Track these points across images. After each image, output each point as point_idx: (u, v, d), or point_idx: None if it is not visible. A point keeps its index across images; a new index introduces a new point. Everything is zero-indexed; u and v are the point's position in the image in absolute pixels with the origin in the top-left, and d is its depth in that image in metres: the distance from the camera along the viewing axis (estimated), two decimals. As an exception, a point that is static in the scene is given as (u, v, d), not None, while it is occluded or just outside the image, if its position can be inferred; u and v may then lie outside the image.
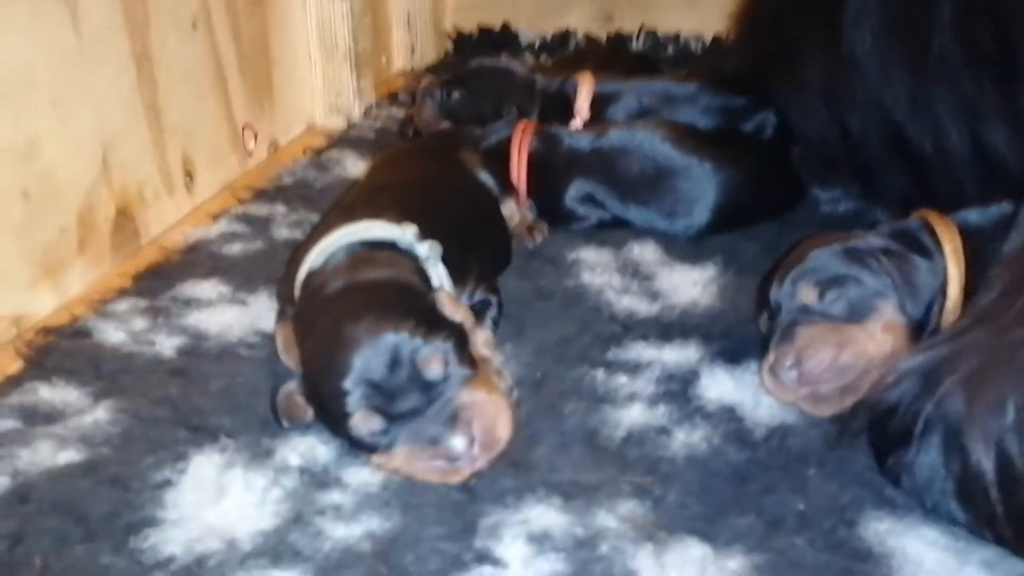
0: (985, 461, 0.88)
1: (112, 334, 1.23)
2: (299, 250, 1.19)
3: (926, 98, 1.34)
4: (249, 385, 1.14)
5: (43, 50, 1.28)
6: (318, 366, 1.00)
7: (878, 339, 1.08)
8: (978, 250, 1.10)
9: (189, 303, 1.31)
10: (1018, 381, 0.89)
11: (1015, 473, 0.87)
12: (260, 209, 1.58)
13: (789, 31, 1.53)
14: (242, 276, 1.37)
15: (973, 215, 1.17)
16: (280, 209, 1.58)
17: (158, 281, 1.36)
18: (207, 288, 1.34)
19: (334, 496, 0.96)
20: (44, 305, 1.31)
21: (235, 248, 1.46)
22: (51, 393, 1.11)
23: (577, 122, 1.60)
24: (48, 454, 1.01)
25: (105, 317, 1.27)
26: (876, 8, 1.37)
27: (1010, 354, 0.91)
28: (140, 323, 1.26)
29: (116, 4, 1.40)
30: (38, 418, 1.07)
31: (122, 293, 1.33)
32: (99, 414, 1.07)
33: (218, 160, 1.67)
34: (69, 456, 1.01)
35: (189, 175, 1.60)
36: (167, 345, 1.21)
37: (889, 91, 1.39)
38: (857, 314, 1.09)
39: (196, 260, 1.43)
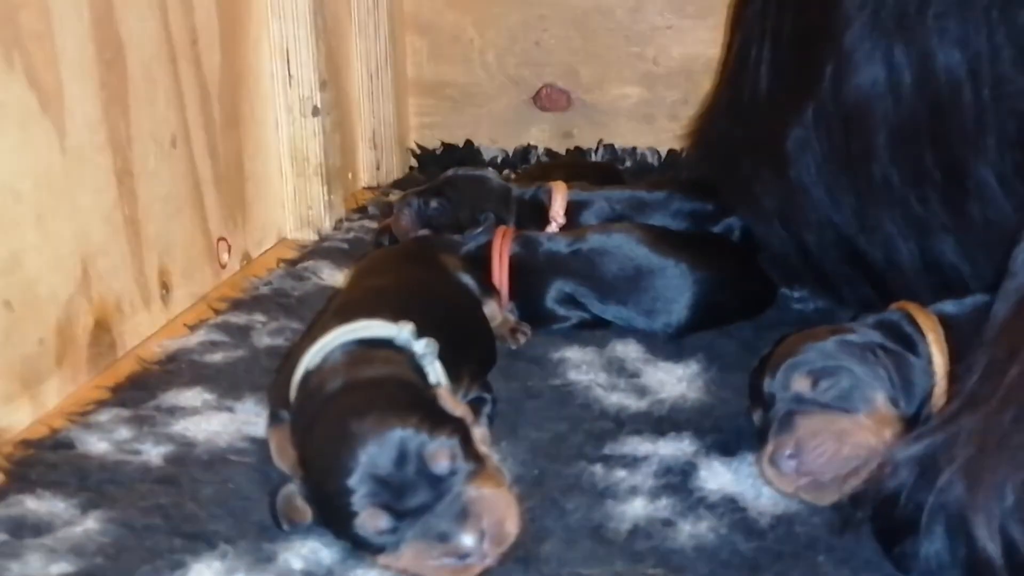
0: (991, 547, 0.89)
1: (95, 444, 1.20)
2: (293, 352, 1.18)
3: (874, 218, 1.40)
4: (242, 491, 1.11)
5: (29, 166, 1.28)
6: (321, 465, 0.99)
7: (874, 428, 1.09)
8: (959, 339, 1.14)
9: (173, 411, 1.28)
10: (1014, 465, 0.91)
11: (1021, 558, 0.88)
12: (239, 318, 1.57)
13: (740, 160, 1.61)
14: (226, 383, 1.35)
15: (949, 306, 1.21)
16: (259, 318, 1.57)
17: (139, 391, 1.34)
18: (191, 396, 1.32)
19: (343, 598, 0.94)
20: (22, 419, 1.27)
21: (216, 356, 1.44)
22: (37, 505, 1.07)
23: (553, 227, 1.63)
24: (39, 566, 0.97)
25: (87, 428, 1.23)
26: (816, 139, 1.44)
27: (1003, 438, 0.92)
28: (124, 432, 1.23)
29: (100, 123, 1.41)
30: (26, 530, 1.03)
31: (102, 404, 1.30)
32: (89, 524, 1.03)
33: (193, 273, 1.67)
34: (61, 568, 0.97)
35: (165, 287, 1.59)
36: (154, 454, 1.18)
37: (838, 214, 1.45)
38: (851, 403, 1.10)
39: (177, 370, 1.40)
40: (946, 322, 1.17)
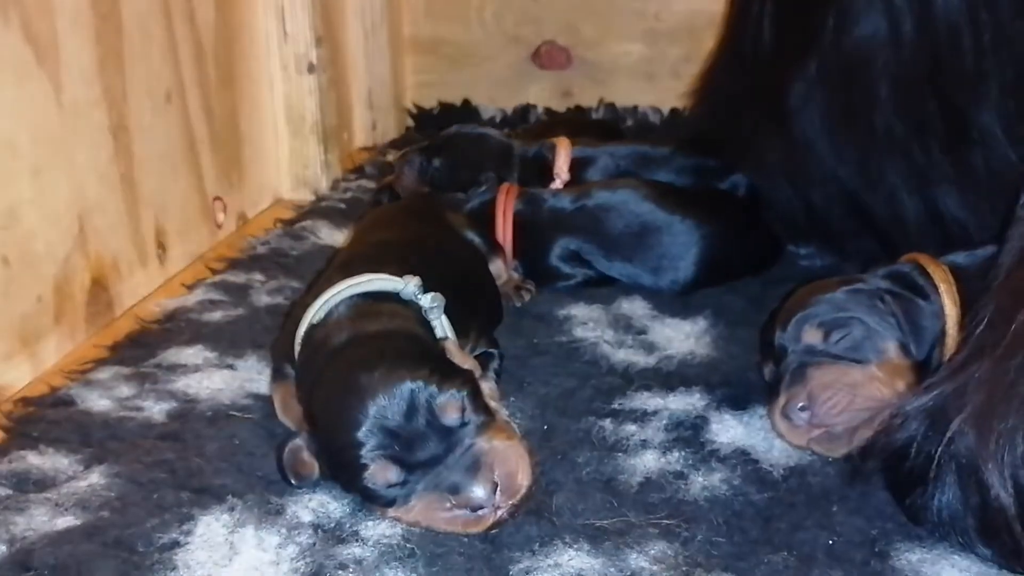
0: (1004, 496, 0.89)
1: (97, 402, 1.18)
2: (297, 307, 1.17)
3: (878, 171, 1.39)
4: (248, 446, 1.10)
5: (26, 121, 1.26)
6: (329, 418, 0.97)
7: (886, 379, 1.08)
8: (970, 289, 1.12)
9: (174, 369, 1.27)
10: (1023, 412, 0.90)
11: (1033, 505, 0.88)
12: (237, 277, 1.55)
13: (744, 116, 1.59)
14: (227, 341, 1.34)
15: (961, 257, 1.20)
16: (258, 277, 1.55)
17: (139, 350, 1.32)
18: (191, 354, 1.30)
19: (354, 550, 0.93)
20: (21, 376, 1.26)
21: (216, 315, 1.42)
22: (40, 460, 1.05)
23: (557, 184, 1.61)
24: (45, 519, 0.95)
25: (88, 385, 1.22)
26: (819, 93, 1.43)
27: (1012, 386, 0.92)
28: (125, 390, 1.21)
29: (96, 77, 1.39)
30: (30, 485, 1.02)
31: (101, 362, 1.29)
32: (93, 479, 1.02)
33: (189, 232, 1.65)
34: (67, 521, 0.95)
35: (162, 247, 1.57)
36: (156, 410, 1.17)
37: (843, 168, 1.44)
38: (863, 354, 1.09)
39: (176, 328, 1.38)
40: (957, 273, 1.16)
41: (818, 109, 1.44)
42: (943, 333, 1.12)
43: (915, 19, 1.28)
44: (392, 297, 1.11)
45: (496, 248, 1.45)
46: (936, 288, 1.14)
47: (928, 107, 1.31)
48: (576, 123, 2.07)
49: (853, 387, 1.07)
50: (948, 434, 0.93)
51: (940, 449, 0.94)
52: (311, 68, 1.90)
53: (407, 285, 1.11)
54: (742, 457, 1.07)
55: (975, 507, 0.92)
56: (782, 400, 1.08)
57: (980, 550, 0.92)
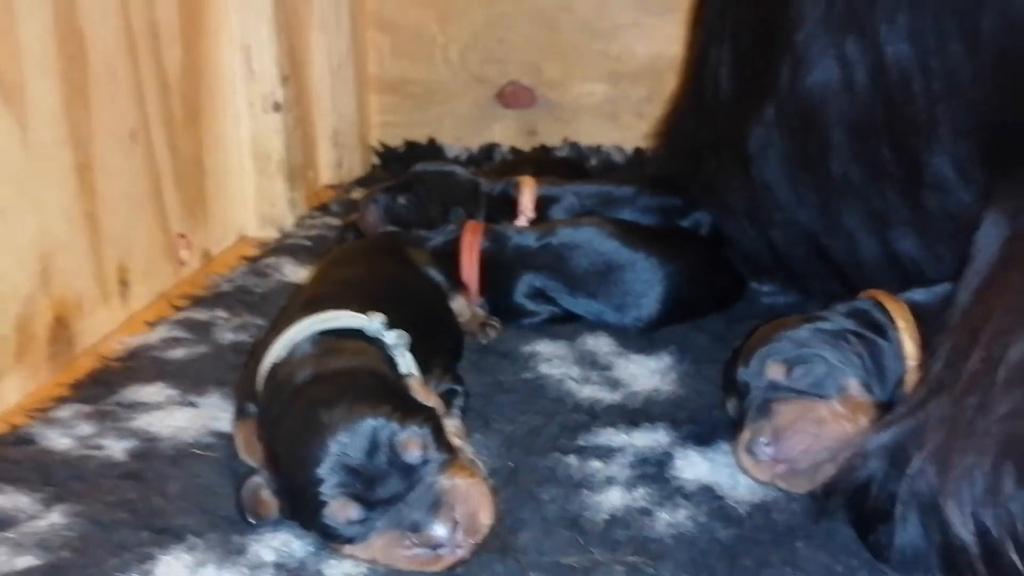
0: (966, 534, 0.89)
1: (58, 440, 1.17)
2: (259, 345, 1.16)
3: (836, 214, 1.41)
4: (210, 485, 1.09)
5: (-9, 161, 1.26)
6: (290, 455, 0.97)
7: (848, 414, 1.09)
8: (929, 326, 1.14)
9: (135, 407, 1.25)
10: (981, 450, 0.91)
11: (994, 543, 0.88)
12: (200, 315, 1.54)
13: (706, 159, 1.61)
14: (190, 379, 1.33)
15: (919, 294, 1.21)
16: (222, 314, 1.54)
17: (100, 388, 1.31)
18: (153, 392, 1.29)
19: (318, 590, 0.92)
20: (-20, 416, 1.24)
21: (178, 353, 1.41)
22: (1, 499, 1.04)
23: (522, 221, 1.62)
24: (4, 559, 0.94)
25: (48, 424, 1.20)
26: (777, 139, 1.45)
27: (970, 424, 0.93)
28: (86, 428, 1.20)
29: (62, 117, 1.38)
30: (-11, 525, 1.00)
31: (62, 401, 1.27)
32: (54, 519, 1.01)
33: (152, 270, 1.64)
34: (27, 561, 0.94)
35: (124, 284, 1.55)
36: (117, 449, 1.16)
37: (802, 211, 1.46)
38: (825, 390, 1.10)
39: (138, 366, 1.37)
40: (916, 310, 1.18)
41: (777, 154, 1.46)
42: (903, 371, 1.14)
43: (867, 67, 1.31)
44: (356, 334, 1.11)
45: (460, 285, 1.46)
46: (894, 324, 1.16)
47: (882, 152, 1.33)
48: (541, 162, 2.08)
49: (817, 423, 1.07)
50: (909, 472, 0.94)
51: (901, 487, 0.94)
52: (277, 107, 1.90)
53: (372, 322, 1.11)
54: (707, 494, 1.08)
55: (938, 545, 0.93)
56: (746, 435, 1.09)
57: (946, 588, 0.93)
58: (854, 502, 1.01)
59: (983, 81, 1.18)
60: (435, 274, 1.43)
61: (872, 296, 1.21)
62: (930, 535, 0.93)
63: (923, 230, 1.33)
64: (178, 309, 1.57)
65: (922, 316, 1.17)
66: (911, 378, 1.12)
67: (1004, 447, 0.88)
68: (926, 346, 1.11)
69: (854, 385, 1.12)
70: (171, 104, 1.68)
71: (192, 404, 1.27)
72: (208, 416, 1.24)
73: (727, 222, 1.60)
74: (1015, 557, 0.86)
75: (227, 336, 1.47)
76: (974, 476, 0.90)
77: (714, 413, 1.23)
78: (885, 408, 1.10)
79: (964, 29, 1.19)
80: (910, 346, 1.14)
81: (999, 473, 0.88)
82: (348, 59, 2.24)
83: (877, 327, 1.16)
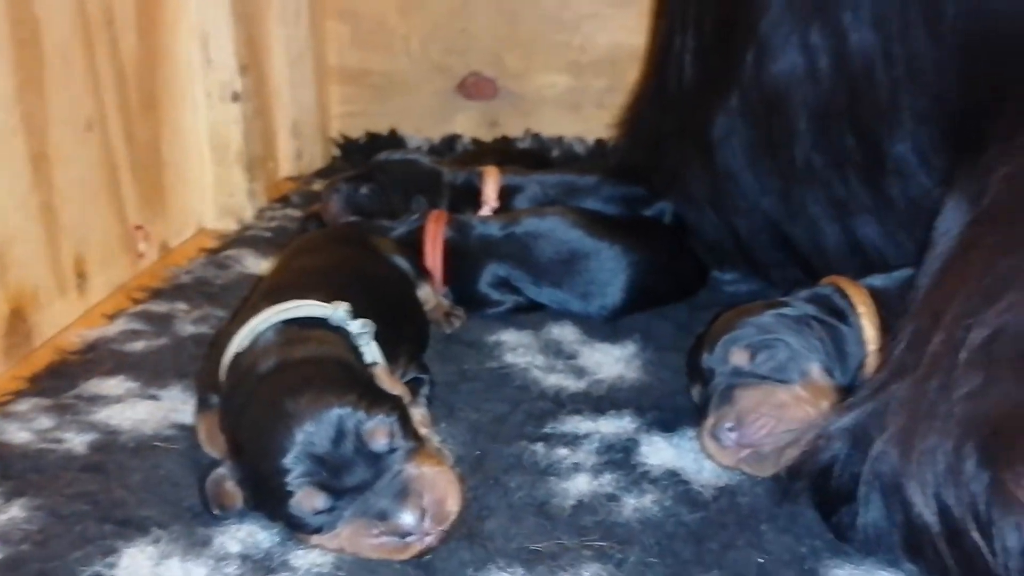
0: (928, 514, 0.90)
1: (16, 434, 1.15)
2: (222, 335, 1.15)
3: (799, 201, 1.42)
4: (173, 477, 1.07)
5: (-56, 148, 1.23)
6: (255, 445, 0.95)
7: (810, 398, 1.10)
8: (889, 311, 1.16)
9: (95, 400, 1.23)
10: (943, 431, 0.92)
11: (955, 523, 0.89)
12: (160, 307, 1.52)
13: (669, 148, 1.62)
14: (150, 372, 1.31)
15: (879, 280, 1.23)
16: (181, 306, 1.52)
17: (58, 381, 1.28)
18: (113, 385, 1.27)
19: (284, 580, 0.91)
20: (-66, 409, 1.22)
21: (138, 345, 1.39)
22: (-42, 494, 1.02)
23: (486, 211, 1.61)
24: (-39, 554, 0.92)
25: (6, 418, 1.18)
26: (741, 126, 1.46)
27: (931, 406, 0.94)
28: (45, 422, 1.18)
29: (15, 105, 1.35)
30: (-52, 519, 0.98)
31: (20, 394, 1.25)
32: (14, 512, 0.99)
33: (110, 262, 1.61)
34: (-14, 556, 0.92)
35: (82, 276, 1.53)
36: (77, 442, 1.14)
37: (765, 198, 1.47)
38: (787, 374, 1.11)
39: (97, 359, 1.35)
40: (876, 295, 1.19)
41: (740, 142, 1.47)
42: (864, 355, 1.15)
43: (831, 54, 1.32)
44: (321, 323, 1.09)
45: (425, 274, 1.45)
46: (855, 309, 1.17)
47: (845, 139, 1.34)
48: (504, 152, 2.08)
49: (779, 407, 1.08)
50: (871, 454, 0.95)
51: (864, 469, 0.95)
52: (235, 97, 1.88)
53: (336, 311, 1.10)
54: (673, 479, 1.08)
55: (900, 524, 0.94)
56: (711, 421, 1.10)
57: (907, 566, 0.94)
58: (817, 484, 1.02)
59: (946, 67, 1.20)
60: (401, 262, 1.42)
61: (833, 282, 1.23)
62: (892, 515, 0.94)
63: (885, 217, 1.35)
64: (136, 301, 1.55)
65: (882, 301, 1.18)
66: (872, 362, 1.14)
67: (965, 428, 0.89)
68: (887, 330, 1.13)
69: (816, 369, 1.13)
70: (128, 93, 1.65)
71: (153, 396, 1.25)
72: (169, 408, 1.22)
73: (690, 211, 1.61)
74: (976, 536, 0.87)
75: (187, 328, 1.45)
76: (936, 457, 0.90)
77: (678, 399, 1.24)
78: (847, 392, 1.12)
79: (928, 15, 1.21)
80: (871, 330, 1.16)
81: (960, 454, 0.89)
82: (308, 49, 2.22)
83: (838, 312, 1.18)
